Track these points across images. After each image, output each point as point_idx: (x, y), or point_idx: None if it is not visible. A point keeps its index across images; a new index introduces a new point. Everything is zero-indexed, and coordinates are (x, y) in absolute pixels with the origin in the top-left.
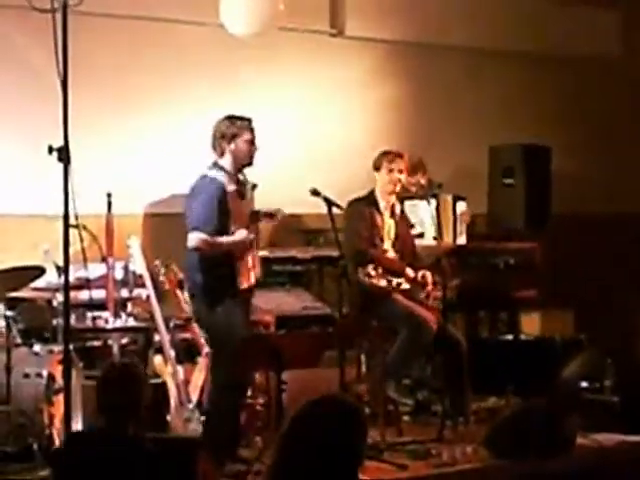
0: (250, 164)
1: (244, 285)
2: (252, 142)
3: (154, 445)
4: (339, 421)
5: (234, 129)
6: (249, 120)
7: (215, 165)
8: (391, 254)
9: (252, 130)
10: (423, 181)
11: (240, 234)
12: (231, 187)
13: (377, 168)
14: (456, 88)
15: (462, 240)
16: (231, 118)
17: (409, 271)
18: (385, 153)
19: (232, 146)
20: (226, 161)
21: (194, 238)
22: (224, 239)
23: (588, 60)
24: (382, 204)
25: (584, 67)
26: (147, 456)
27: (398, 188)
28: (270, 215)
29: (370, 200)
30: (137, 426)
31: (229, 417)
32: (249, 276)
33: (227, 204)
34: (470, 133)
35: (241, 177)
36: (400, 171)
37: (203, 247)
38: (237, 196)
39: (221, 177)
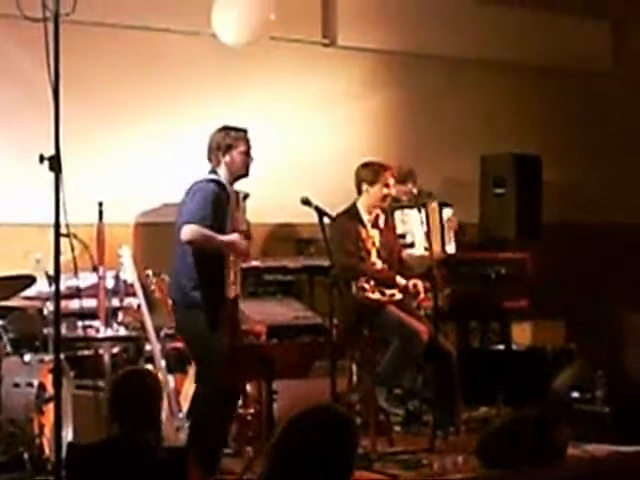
0: (246, 175)
1: (232, 295)
2: (247, 153)
3: (169, 454)
4: (330, 431)
5: (229, 140)
6: (245, 131)
7: (213, 172)
8: (379, 265)
9: (247, 141)
10: (414, 190)
11: (234, 236)
12: (230, 192)
13: (372, 182)
14: (446, 98)
15: (451, 247)
16: (226, 129)
17: (400, 279)
18: (381, 166)
19: (227, 157)
20: (221, 172)
21: (188, 230)
22: (219, 237)
23: (579, 70)
24: (365, 217)
25: (574, 77)
26: (161, 465)
27: (376, 210)
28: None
29: (352, 214)
30: (155, 435)
31: (213, 429)
32: (234, 288)
33: (224, 206)
34: (460, 143)
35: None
36: (392, 185)
37: (197, 239)
38: (235, 204)
39: (221, 183)
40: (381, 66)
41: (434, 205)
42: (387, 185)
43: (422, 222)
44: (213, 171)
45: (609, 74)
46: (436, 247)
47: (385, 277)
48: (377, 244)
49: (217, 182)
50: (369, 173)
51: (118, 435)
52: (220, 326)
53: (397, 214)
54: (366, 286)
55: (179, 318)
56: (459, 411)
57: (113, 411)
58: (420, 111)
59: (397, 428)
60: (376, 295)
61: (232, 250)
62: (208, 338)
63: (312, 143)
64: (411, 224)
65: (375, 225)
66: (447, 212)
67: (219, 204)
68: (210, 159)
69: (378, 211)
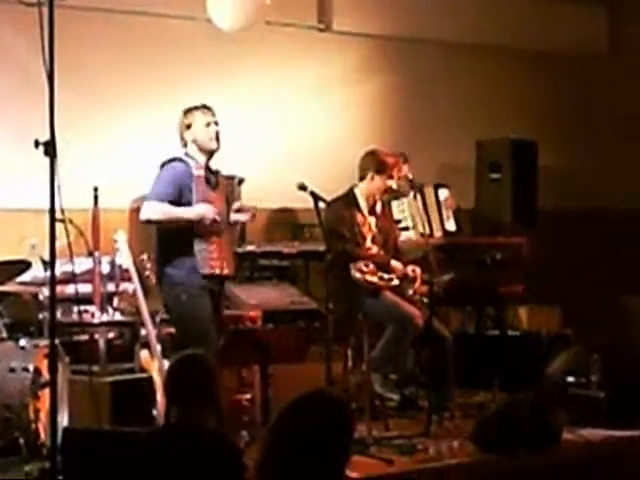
0: (217, 148)
1: (206, 271)
2: (209, 124)
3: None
4: (327, 416)
5: (189, 118)
6: (204, 105)
7: (184, 154)
8: (374, 250)
9: (206, 114)
10: (410, 175)
11: (200, 207)
12: (198, 172)
13: (379, 171)
14: (441, 83)
15: (451, 224)
16: (187, 110)
17: (395, 263)
18: (389, 157)
19: (191, 135)
20: (192, 151)
21: (144, 208)
22: (180, 209)
23: (575, 55)
24: (362, 203)
25: (570, 62)
26: (222, 449)
27: (378, 196)
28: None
29: (349, 199)
30: (217, 419)
31: None
32: (214, 265)
33: (190, 185)
34: (455, 128)
35: (215, 168)
36: (396, 177)
37: (155, 217)
38: (205, 182)
39: (188, 161)
40: (377, 51)
41: (429, 188)
42: (391, 177)
43: (419, 207)
44: (185, 153)
45: (605, 59)
46: (436, 230)
47: (380, 261)
48: (373, 229)
49: (180, 159)
50: (377, 162)
51: (178, 420)
52: (202, 310)
53: (394, 203)
54: (364, 268)
55: (162, 297)
56: (453, 395)
57: (171, 396)
58: (415, 96)
59: (392, 413)
60: (374, 279)
61: (199, 220)
62: (190, 322)
63: (308, 128)
64: (408, 211)
65: (372, 212)
66: (443, 192)
67: (182, 180)
68: (180, 139)
69: (376, 198)
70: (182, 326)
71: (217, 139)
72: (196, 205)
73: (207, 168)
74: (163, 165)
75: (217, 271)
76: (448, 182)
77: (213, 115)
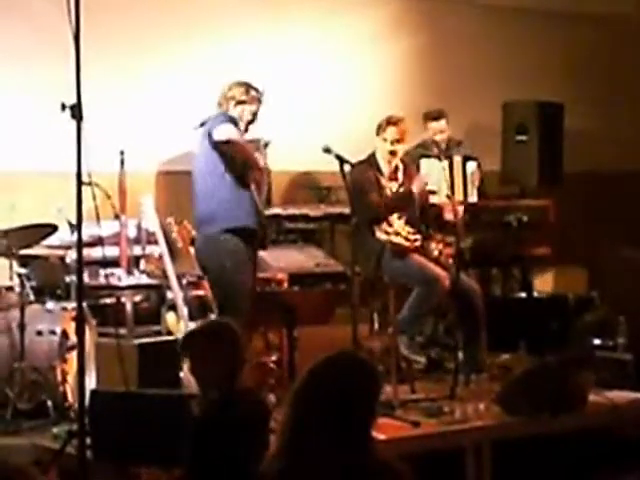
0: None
1: (232, 224)
2: (255, 114)
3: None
4: (353, 377)
5: (246, 97)
6: (261, 93)
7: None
8: (392, 217)
9: (259, 103)
10: (447, 131)
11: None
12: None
13: (376, 134)
14: (469, 44)
15: (473, 199)
16: (247, 85)
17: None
18: (386, 120)
19: (237, 111)
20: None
21: (225, 129)
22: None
23: (602, 16)
24: (384, 167)
25: (598, 23)
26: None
27: (394, 161)
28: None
29: (371, 162)
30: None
31: None
32: (241, 216)
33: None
34: (485, 89)
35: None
36: (395, 141)
37: (234, 139)
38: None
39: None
40: (405, 12)
41: (458, 159)
42: (384, 140)
43: (445, 174)
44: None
45: (633, 18)
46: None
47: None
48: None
49: (233, 118)
50: (378, 125)
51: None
52: (242, 258)
53: (423, 162)
54: (389, 230)
55: (198, 248)
56: (483, 351)
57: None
58: (443, 58)
59: (419, 375)
60: (399, 240)
61: (254, 165)
62: (231, 282)
63: (335, 89)
64: (435, 174)
65: (394, 178)
66: (471, 166)
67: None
68: (220, 104)
69: (397, 162)
70: (223, 291)
71: (249, 123)
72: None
73: None
74: (213, 117)
75: (241, 223)
76: (475, 144)
77: (257, 103)
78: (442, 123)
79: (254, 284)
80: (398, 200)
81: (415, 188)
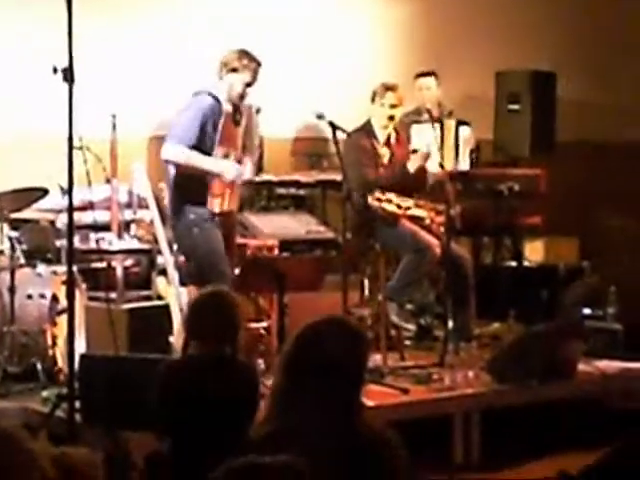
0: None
1: (215, 209)
2: (248, 85)
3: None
4: (342, 342)
5: (238, 64)
6: (258, 63)
7: (216, 86)
8: None
9: (255, 75)
10: (437, 93)
11: (225, 165)
12: (227, 107)
13: (372, 100)
14: (460, 13)
15: (465, 165)
16: (244, 52)
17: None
18: (382, 86)
19: (229, 78)
20: (222, 86)
21: (167, 148)
22: (202, 158)
23: None
24: (379, 133)
25: None
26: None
27: (391, 126)
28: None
29: (367, 130)
30: (233, 350)
31: None
32: (222, 202)
33: (217, 121)
34: (478, 57)
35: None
36: (392, 106)
37: (175, 159)
38: (231, 120)
39: (218, 96)
40: None
41: (450, 123)
42: (382, 105)
43: (436, 139)
44: (215, 84)
45: None
46: (449, 164)
47: (395, 174)
48: (385, 162)
49: (214, 97)
50: (373, 92)
51: (199, 353)
52: (216, 243)
53: (414, 128)
54: (382, 197)
55: (175, 234)
56: (471, 318)
57: (192, 331)
58: (436, 25)
59: (408, 343)
60: (391, 207)
61: (218, 176)
62: (204, 255)
63: (328, 54)
64: (426, 140)
65: (387, 144)
66: (464, 130)
67: (210, 118)
68: (218, 77)
69: (391, 129)
70: (195, 259)
71: (241, 97)
72: (221, 161)
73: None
74: (194, 96)
75: (218, 209)
76: (467, 112)
77: (255, 76)
78: (430, 80)
79: (232, 250)
80: (405, 182)
81: (411, 168)
